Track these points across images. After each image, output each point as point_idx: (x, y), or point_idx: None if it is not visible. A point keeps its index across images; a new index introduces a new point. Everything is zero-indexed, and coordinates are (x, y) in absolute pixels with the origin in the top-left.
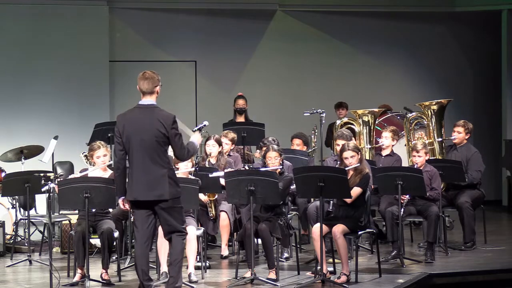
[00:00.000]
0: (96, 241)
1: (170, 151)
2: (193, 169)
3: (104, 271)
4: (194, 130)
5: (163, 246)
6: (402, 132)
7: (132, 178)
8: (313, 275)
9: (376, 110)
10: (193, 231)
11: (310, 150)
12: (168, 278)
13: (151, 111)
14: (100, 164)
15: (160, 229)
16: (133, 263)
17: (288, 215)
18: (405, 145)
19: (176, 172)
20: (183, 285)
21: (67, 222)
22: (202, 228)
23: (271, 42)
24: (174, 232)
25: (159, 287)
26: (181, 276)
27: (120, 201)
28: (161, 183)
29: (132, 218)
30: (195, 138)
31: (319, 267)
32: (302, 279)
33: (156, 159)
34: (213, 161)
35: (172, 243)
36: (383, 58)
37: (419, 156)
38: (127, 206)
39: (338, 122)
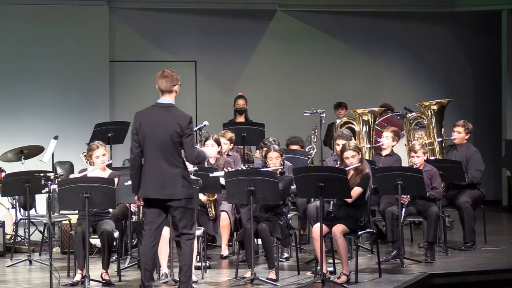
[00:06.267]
0: (96, 241)
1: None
2: (194, 169)
3: (104, 271)
4: (194, 130)
5: (163, 248)
6: (402, 132)
7: (145, 176)
8: (313, 275)
9: (376, 109)
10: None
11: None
12: (178, 284)
13: (169, 111)
14: (99, 164)
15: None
16: (133, 263)
17: (288, 215)
18: (405, 145)
19: None
20: None
21: (67, 222)
22: (202, 228)
23: (271, 42)
24: (183, 235)
25: (159, 287)
26: (192, 281)
27: (135, 198)
28: (174, 182)
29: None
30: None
31: (319, 267)
32: (302, 279)
33: (170, 158)
34: (212, 161)
35: (181, 247)
36: (383, 58)
37: (417, 156)
38: (142, 202)
39: (338, 121)
